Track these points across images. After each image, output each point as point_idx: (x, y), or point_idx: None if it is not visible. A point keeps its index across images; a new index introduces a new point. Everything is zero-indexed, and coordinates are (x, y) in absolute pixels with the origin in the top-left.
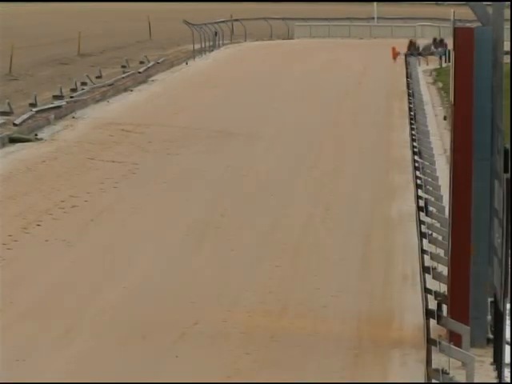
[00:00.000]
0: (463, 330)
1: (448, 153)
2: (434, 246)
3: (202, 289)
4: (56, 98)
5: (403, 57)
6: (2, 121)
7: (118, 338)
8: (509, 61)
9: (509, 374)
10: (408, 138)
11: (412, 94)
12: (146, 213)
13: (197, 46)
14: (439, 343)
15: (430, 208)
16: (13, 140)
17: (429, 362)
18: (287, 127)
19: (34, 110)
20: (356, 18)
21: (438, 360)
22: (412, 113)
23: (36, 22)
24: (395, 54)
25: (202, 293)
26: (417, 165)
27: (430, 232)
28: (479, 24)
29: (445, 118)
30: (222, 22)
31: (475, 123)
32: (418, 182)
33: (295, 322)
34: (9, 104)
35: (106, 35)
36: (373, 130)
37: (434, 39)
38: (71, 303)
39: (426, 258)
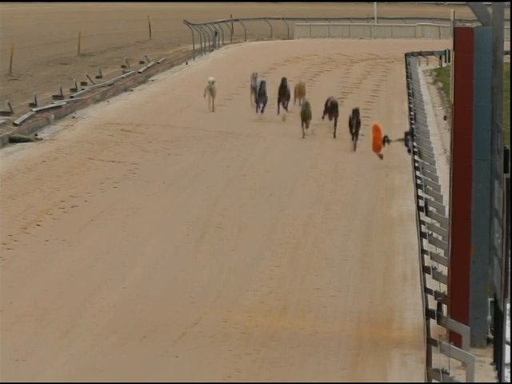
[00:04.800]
0: (463, 330)
1: (448, 153)
2: (433, 246)
3: (202, 289)
4: (56, 97)
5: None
6: (2, 121)
7: (118, 338)
8: (509, 61)
9: (509, 374)
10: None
11: (412, 93)
12: (146, 213)
13: (197, 46)
14: (439, 343)
15: (430, 208)
16: (13, 140)
17: (429, 362)
18: (288, 127)
19: (34, 109)
20: (356, 17)
21: (438, 360)
22: (412, 112)
23: (36, 22)
24: (378, 141)
25: (202, 293)
26: (417, 165)
27: (430, 232)
28: (479, 24)
29: (445, 118)
30: (222, 21)
31: (475, 123)
32: (418, 181)
33: (295, 322)
34: (9, 104)
35: (105, 35)
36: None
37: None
38: (71, 303)
39: (426, 258)
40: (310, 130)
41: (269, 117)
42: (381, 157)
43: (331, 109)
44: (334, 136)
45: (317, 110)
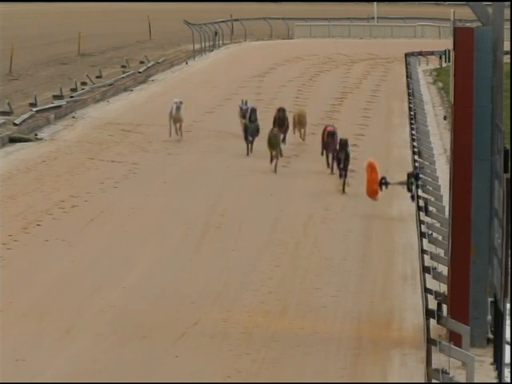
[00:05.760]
0: (463, 330)
1: (448, 153)
2: (433, 246)
3: (202, 289)
4: (56, 97)
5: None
6: (2, 121)
7: (118, 338)
8: (509, 61)
9: (509, 374)
10: (408, 138)
11: (412, 93)
12: (146, 213)
13: (197, 46)
14: (439, 343)
15: (430, 208)
16: (13, 140)
17: (429, 362)
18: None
19: (34, 109)
20: (356, 17)
21: (438, 360)
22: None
23: (36, 22)
24: (374, 184)
25: (202, 293)
26: (417, 165)
27: (430, 232)
28: (479, 24)
29: (445, 118)
30: (222, 21)
31: (475, 123)
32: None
33: (295, 322)
34: (9, 104)
35: (105, 35)
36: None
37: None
38: (71, 303)
39: (426, 258)
40: (275, 165)
41: (260, 153)
42: (375, 198)
43: (328, 139)
44: (332, 171)
45: (313, 115)
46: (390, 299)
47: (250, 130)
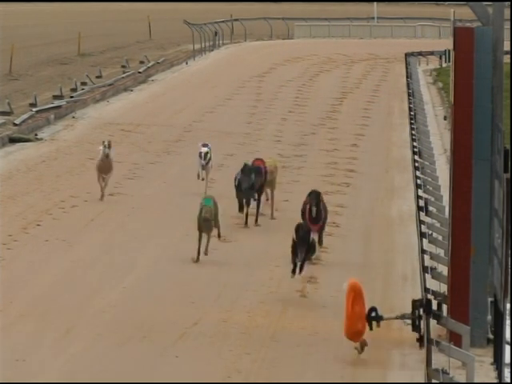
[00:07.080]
0: (463, 330)
1: (448, 153)
2: (433, 246)
3: (202, 289)
4: (56, 97)
5: None
6: (2, 121)
7: (118, 338)
8: (509, 61)
9: (509, 374)
10: (408, 138)
11: (412, 93)
12: (146, 213)
13: (197, 46)
14: (439, 343)
15: (430, 208)
16: (13, 140)
17: (429, 362)
18: (287, 127)
19: (34, 109)
20: (356, 18)
21: (438, 360)
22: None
23: (36, 22)
24: (357, 321)
25: (202, 293)
26: (417, 165)
27: (430, 232)
28: (479, 24)
29: (445, 118)
30: (222, 21)
31: (475, 123)
32: (418, 181)
33: (295, 322)
34: (9, 104)
35: (106, 35)
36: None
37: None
38: (71, 303)
39: (426, 257)
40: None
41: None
42: (362, 348)
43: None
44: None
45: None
46: (390, 299)
47: (247, 195)
